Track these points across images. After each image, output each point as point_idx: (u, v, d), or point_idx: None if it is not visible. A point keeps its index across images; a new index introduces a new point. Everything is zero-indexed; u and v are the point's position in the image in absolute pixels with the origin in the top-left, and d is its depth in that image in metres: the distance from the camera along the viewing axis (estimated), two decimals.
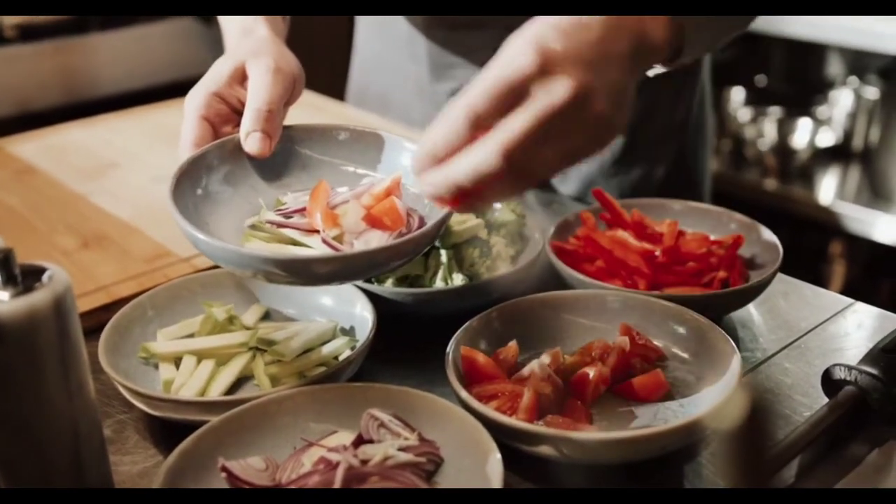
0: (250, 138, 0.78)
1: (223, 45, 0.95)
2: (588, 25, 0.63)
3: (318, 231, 0.77)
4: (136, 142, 1.32)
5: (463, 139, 0.61)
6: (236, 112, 0.82)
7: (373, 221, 0.77)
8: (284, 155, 0.84)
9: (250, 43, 0.85)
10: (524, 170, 0.61)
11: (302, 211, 0.80)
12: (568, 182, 1.28)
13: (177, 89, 1.72)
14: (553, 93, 0.60)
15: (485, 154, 0.60)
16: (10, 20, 1.69)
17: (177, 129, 1.33)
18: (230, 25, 0.94)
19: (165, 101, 1.48)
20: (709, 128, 1.37)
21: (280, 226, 0.78)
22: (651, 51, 0.66)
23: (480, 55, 1.21)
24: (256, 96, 0.79)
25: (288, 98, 0.82)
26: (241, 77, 0.81)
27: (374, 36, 1.35)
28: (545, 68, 0.60)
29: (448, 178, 0.62)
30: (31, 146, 1.31)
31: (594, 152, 0.64)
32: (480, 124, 0.61)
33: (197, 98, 0.80)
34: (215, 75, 0.81)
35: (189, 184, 0.77)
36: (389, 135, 0.84)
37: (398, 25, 1.27)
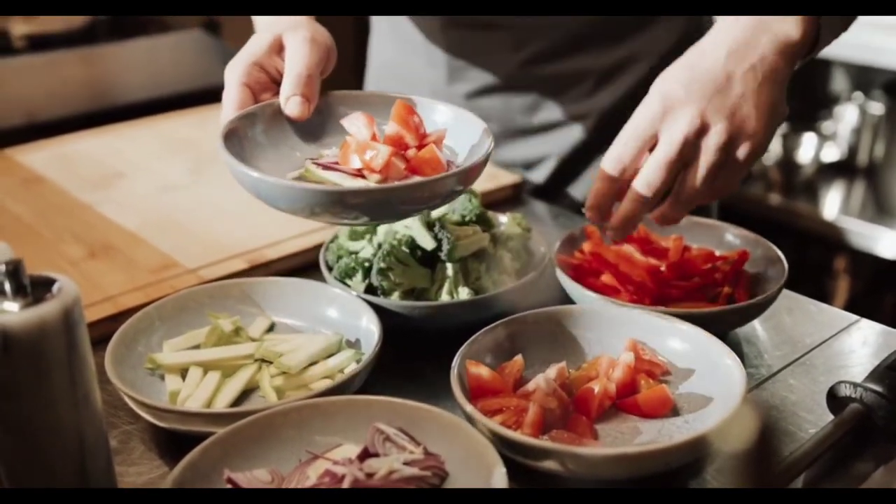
0: (290, 102, 0.83)
1: (254, 26, 0.97)
2: (704, 52, 0.79)
3: (362, 176, 0.78)
4: (143, 152, 1.33)
5: (617, 188, 0.79)
6: (274, 81, 0.86)
7: (414, 169, 0.79)
8: (321, 118, 0.87)
9: (286, 19, 0.89)
10: (679, 200, 0.78)
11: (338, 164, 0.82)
12: (580, 186, 1.29)
13: (185, 100, 1.73)
14: (674, 128, 0.76)
15: (632, 196, 0.78)
16: (19, 31, 1.70)
17: (184, 139, 1.33)
18: None
19: (173, 112, 1.49)
20: None
21: (327, 168, 0.80)
22: (792, 49, 0.79)
23: (496, 56, 1.23)
24: (295, 63, 0.83)
25: (322, 68, 0.86)
26: (278, 48, 0.85)
27: (389, 42, 1.36)
28: (667, 110, 0.77)
29: (621, 222, 0.80)
30: (39, 155, 1.31)
31: (743, 167, 0.78)
32: (627, 171, 0.78)
33: (238, 67, 0.84)
34: (255, 46, 0.85)
35: (235, 140, 0.80)
36: (422, 98, 0.87)
37: (414, 29, 1.29)
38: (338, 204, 0.72)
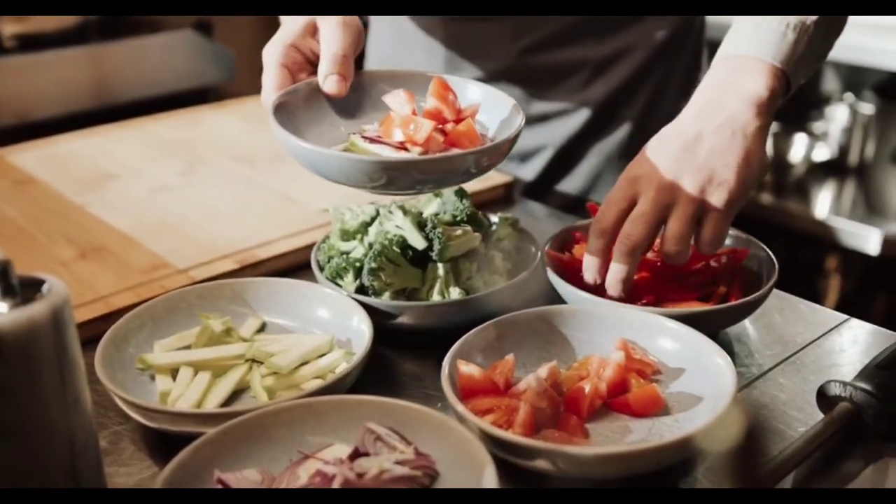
0: (328, 80, 0.86)
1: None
2: (678, 117, 0.86)
3: (405, 149, 0.82)
4: (135, 153, 1.32)
5: (603, 249, 0.84)
6: (309, 62, 0.90)
7: (452, 142, 0.83)
8: (357, 95, 0.90)
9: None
10: (667, 254, 0.82)
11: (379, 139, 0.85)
12: (575, 175, 1.30)
13: (177, 100, 1.73)
14: (648, 185, 0.82)
15: (617, 250, 0.82)
16: (10, 30, 1.69)
17: (176, 140, 1.33)
18: None
19: (165, 112, 1.49)
20: None
21: (373, 141, 0.83)
22: (764, 103, 0.84)
23: (494, 46, 1.24)
24: (331, 44, 0.86)
25: (355, 48, 0.89)
26: (312, 31, 0.89)
27: (387, 36, 1.37)
28: (643, 173, 0.83)
29: (612, 279, 0.83)
30: (30, 156, 1.31)
31: (722, 215, 0.83)
32: (608, 233, 0.84)
33: (276, 49, 0.88)
34: (289, 29, 0.88)
35: (283, 115, 0.83)
36: (453, 76, 0.90)
37: (412, 22, 1.29)
38: (393, 172, 0.77)
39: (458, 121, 0.85)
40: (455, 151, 0.81)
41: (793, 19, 0.87)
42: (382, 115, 0.88)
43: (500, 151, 0.82)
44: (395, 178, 0.78)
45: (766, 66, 0.85)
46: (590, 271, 0.85)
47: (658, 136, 0.86)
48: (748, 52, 0.87)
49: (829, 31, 0.93)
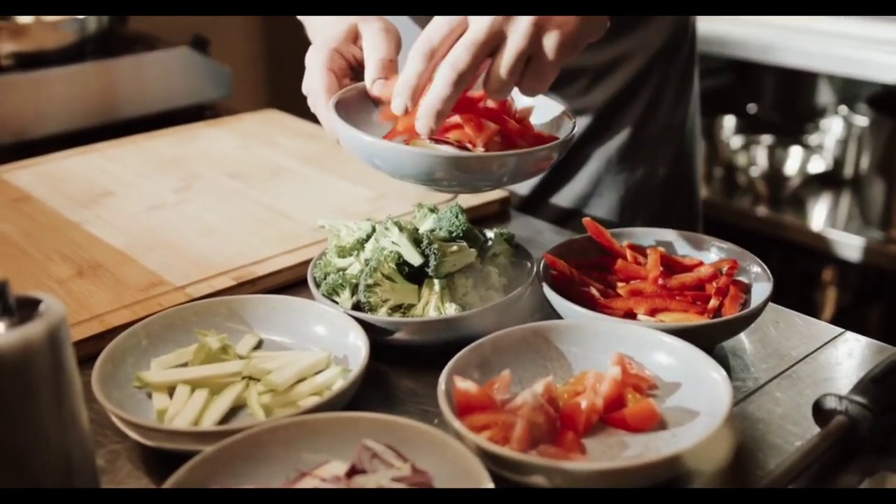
0: (376, 84, 0.89)
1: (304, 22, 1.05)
2: None
3: (466, 148, 0.84)
4: (131, 170, 1.33)
5: (426, 70, 0.79)
6: (351, 67, 0.92)
7: (510, 143, 0.86)
8: None
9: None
10: (488, 87, 0.79)
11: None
12: (576, 181, 1.31)
13: (172, 118, 1.73)
14: (483, 17, 0.77)
15: (439, 76, 0.78)
16: (6, 49, 1.70)
17: (172, 157, 1.33)
18: None
19: (161, 130, 1.49)
20: (699, 134, 1.43)
21: (438, 141, 0.85)
22: None
23: None
24: (376, 49, 0.89)
25: (397, 53, 0.91)
26: (354, 37, 0.92)
27: None
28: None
29: (428, 105, 0.78)
30: (26, 174, 1.31)
31: (553, 61, 0.80)
32: (437, 53, 0.79)
33: (322, 54, 0.90)
34: (332, 36, 0.91)
35: (341, 114, 0.85)
36: None
37: (414, 30, 1.30)
38: (461, 168, 0.79)
39: (517, 121, 0.87)
40: (523, 150, 0.83)
41: None
42: None
43: (560, 150, 0.84)
44: (456, 175, 0.80)
45: None
46: (403, 96, 0.80)
47: None
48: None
49: None
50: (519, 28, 0.78)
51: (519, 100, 0.90)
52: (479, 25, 0.78)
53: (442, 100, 0.78)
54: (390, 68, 0.89)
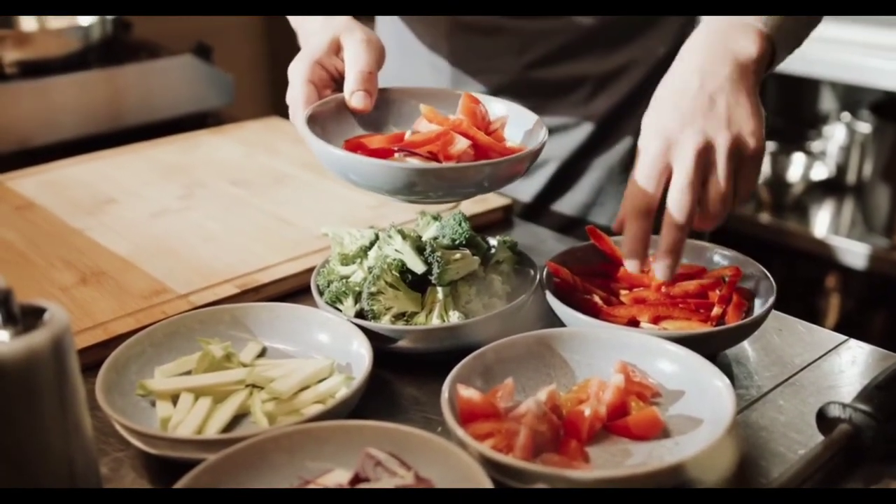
0: (354, 96, 0.90)
1: (296, 29, 1.06)
2: (679, 87, 0.84)
3: (437, 159, 0.85)
4: (134, 178, 1.33)
5: (649, 227, 0.81)
6: (333, 79, 0.93)
7: (483, 154, 0.87)
8: (381, 111, 0.95)
9: (338, 21, 0.95)
10: (707, 215, 0.80)
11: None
12: (579, 189, 1.32)
13: (176, 125, 1.74)
14: (684, 154, 0.79)
15: (669, 224, 0.80)
16: (11, 57, 1.70)
17: (176, 165, 1.34)
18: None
19: (164, 137, 1.49)
20: None
21: (408, 154, 0.86)
22: (754, 65, 0.84)
23: (500, 61, 1.26)
24: (356, 61, 0.90)
25: (378, 65, 0.93)
26: (336, 48, 0.92)
27: (392, 53, 1.38)
28: (670, 142, 0.80)
29: (668, 252, 0.80)
30: (30, 182, 1.32)
31: (755, 165, 0.82)
32: (653, 208, 0.80)
33: (302, 66, 0.90)
34: (315, 47, 0.91)
35: (313, 128, 0.86)
36: (476, 94, 0.94)
37: (416, 39, 1.30)
38: (432, 180, 0.81)
39: (489, 133, 0.89)
40: (495, 159, 0.84)
41: None
42: (405, 128, 0.92)
43: (532, 156, 0.85)
44: (432, 185, 0.81)
45: (756, 30, 0.86)
46: (635, 259, 0.82)
47: (659, 102, 0.85)
48: (738, 15, 0.87)
49: (811, 18, 0.96)
50: (722, 153, 0.80)
51: (492, 110, 0.93)
52: (685, 165, 0.79)
53: (679, 245, 0.80)
54: (370, 80, 0.90)
